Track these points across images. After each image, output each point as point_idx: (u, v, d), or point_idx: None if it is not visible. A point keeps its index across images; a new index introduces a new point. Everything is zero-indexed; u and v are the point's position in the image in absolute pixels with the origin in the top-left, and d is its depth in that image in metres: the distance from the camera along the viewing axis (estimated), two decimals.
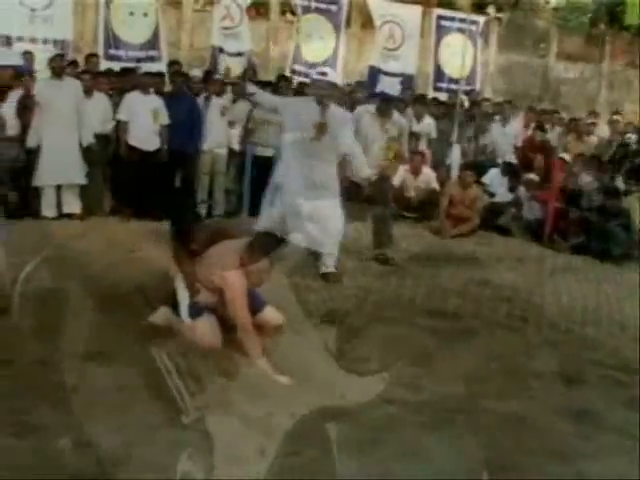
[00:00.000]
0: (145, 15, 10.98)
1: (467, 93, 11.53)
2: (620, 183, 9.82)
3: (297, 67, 12.26)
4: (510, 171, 9.99)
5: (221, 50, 11.36)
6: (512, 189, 9.77)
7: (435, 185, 9.70)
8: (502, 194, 9.84)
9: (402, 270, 7.01)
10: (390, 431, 3.77)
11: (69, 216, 8.17)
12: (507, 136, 11.14)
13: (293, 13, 12.68)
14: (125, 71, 9.59)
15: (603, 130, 12.09)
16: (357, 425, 3.78)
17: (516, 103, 12.05)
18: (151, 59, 10.92)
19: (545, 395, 4.45)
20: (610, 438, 3.94)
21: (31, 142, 7.91)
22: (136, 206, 8.28)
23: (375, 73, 12.57)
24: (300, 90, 9.19)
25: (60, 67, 8.15)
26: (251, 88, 6.70)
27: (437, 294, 6.35)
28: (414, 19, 13.28)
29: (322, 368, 4.38)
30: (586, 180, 9.31)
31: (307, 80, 8.82)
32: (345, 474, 3.34)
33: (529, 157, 10.45)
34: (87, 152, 8.22)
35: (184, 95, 8.77)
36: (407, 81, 12.86)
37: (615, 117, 12.35)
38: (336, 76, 7.85)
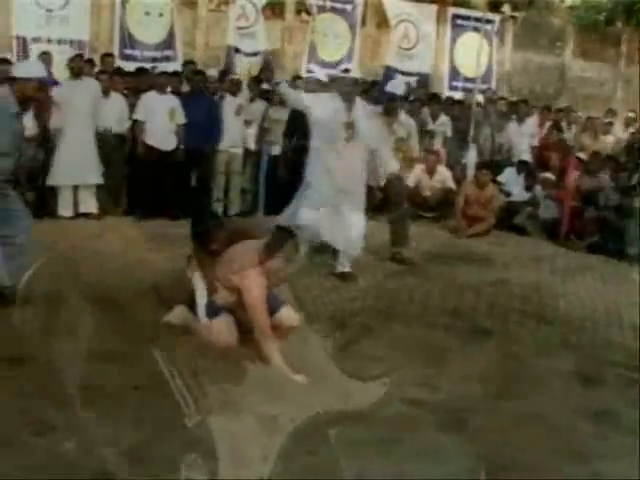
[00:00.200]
0: (160, 15, 11.01)
1: (483, 92, 11.49)
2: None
3: (312, 67, 12.24)
4: (526, 170, 9.96)
5: (237, 50, 11.37)
6: (528, 188, 9.74)
7: (451, 184, 9.68)
8: (518, 193, 9.81)
9: (418, 269, 7.01)
10: (406, 431, 3.76)
11: (86, 216, 8.22)
12: (523, 135, 11.05)
13: (308, 13, 12.67)
14: (140, 71, 9.64)
15: (619, 129, 12.04)
16: (372, 425, 3.77)
17: (532, 102, 11.98)
18: (166, 59, 10.94)
19: (562, 395, 4.43)
20: (628, 438, 3.91)
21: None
22: (152, 205, 8.31)
23: (391, 73, 12.55)
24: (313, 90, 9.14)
25: (79, 67, 8.24)
26: (278, 79, 6.62)
27: (453, 293, 6.33)
28: (429, 18, 13.26)
29: (328, 370, 4.36)
30: (602, 179, 9.27)
31: (324, 79, 8.77)
32: (361, 474, 3.33)
33: (545, 156, 10.43)
34: (103, 152, 8.27)
35: (202, 94, 8.78)
36: (422, 80, 12.89)
37: (631, 115, 12.29)
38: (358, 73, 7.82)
